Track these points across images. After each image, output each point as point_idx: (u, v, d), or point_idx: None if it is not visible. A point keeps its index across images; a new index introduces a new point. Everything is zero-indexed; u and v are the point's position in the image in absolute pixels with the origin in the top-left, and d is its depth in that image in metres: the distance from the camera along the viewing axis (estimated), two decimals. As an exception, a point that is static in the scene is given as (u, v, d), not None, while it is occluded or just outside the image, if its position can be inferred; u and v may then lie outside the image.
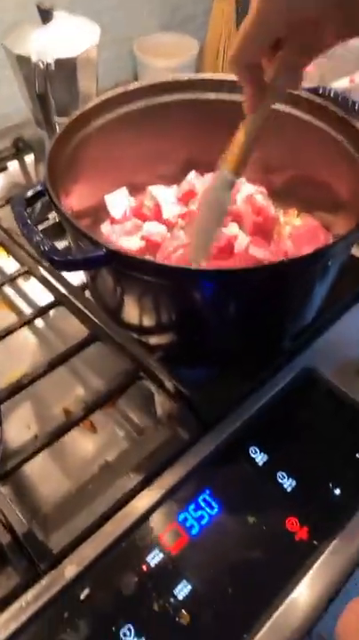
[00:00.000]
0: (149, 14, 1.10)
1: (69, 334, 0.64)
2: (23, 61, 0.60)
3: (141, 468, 0.48)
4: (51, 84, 0.63)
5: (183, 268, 0.44)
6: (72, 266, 0.42)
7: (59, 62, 0.60)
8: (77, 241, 0.47)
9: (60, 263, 0.41)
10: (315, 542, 0.45)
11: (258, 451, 0.50)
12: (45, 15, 0.61)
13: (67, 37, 0.62)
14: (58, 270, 0.60)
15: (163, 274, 0.42)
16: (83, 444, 0.55)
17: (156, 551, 0.44)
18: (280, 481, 0.48)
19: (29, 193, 0.47)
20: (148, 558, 0.43)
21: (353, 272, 0.66)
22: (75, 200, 0.56)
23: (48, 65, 0.58)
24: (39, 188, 0.48)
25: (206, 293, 0.45)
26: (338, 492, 0.48)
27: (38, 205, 0.67)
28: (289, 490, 0.48)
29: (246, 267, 0.49)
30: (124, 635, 0.40)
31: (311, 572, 0.43)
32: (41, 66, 0.57)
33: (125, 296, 0.50)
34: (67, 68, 0.62)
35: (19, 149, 0.85)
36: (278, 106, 0.62)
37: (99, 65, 1.06)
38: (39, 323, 0.65)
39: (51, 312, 0.63)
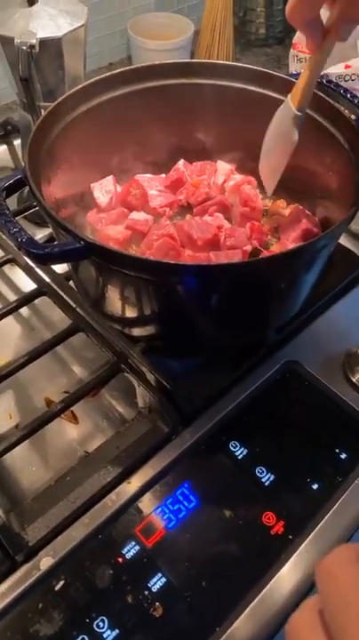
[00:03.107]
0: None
1: (56, 322, 0.64)
2: (7, 43, 0.59)
3: (120, 461, 0.48)
4: (36, 67, 0.61)
5: (161, 262, 0.43)
6: (49, 259, 0.41)
7: (43, 43, 0.58)
8: (57, 232, 0.46)
9: (37, 256, 0.41)
10: (290, 537, 0.45)
11: (238, 445, 0.50)
12: (32, -5, 0.59)
13: (53, 18, 0.60)
14: (36, 263, 0.60)
15: (140, 268, 0.41)
16: (64, 434, 0.55)
17: (132, 544, 0.44)
18: (259, 475, 0.48)
19: (8, 182, 0.46)
20: (124, 551, 0.44)
21: (341, 264, 0.65)
22: (60, 188, 0.55)
23: (32, 47, 0.56)
24: (18, 175, 0.47)
25: (186, 287, 0.44)
26: (315, 486, 0.48)
27: (26, 190, 0.67)
28: (267, 484, 0.48)
29: (225, 262, 0.49)
30: (98, 626, 0.40)
31: (286, 567, 0.44)
32: (24, 48, 0.56)
33: (107, 287, 0.49)
34: (52, 50, 0.60)
35: (7, 132, 0.84)
36: (269, 93, 0.61)
37: (93, 45, 1.04)
38: (25, 310, 0.65)
39: (37, 300, 0.63)
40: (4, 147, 0.84)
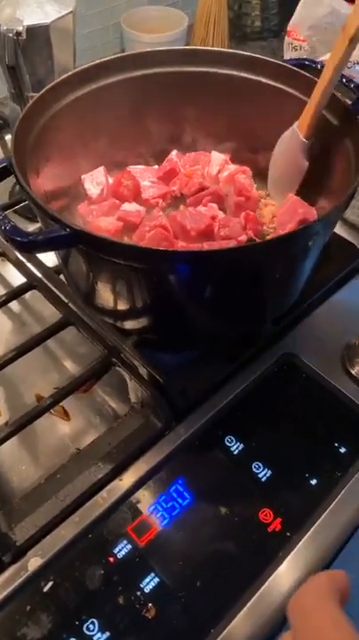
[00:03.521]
0: (137, -14, 1.06)
1: (47, 317, 0.62)
2: (-6, 31, 0.57)
3: (112, 458, 0.46)
4: (24, 56, 0.60)
5: (151, 249, 0.42)
6: (33, 247, 0.40)
7: (31, 31, 0.57)
8: (44, 220, 0.45)
9: (21, 244, 0.39)
10: (288, 534, 0.43)
11: (233, 440, 0.49)
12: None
13: (41, 5, 0.58)
14: (20, 252, 0.58)
15: (129, 255, 0.40)
16: (55, 431, 0.53)
17: (124, 543, 0.42)
18: (255, 471, 0.47)
19: (-7, 170, 0.45)
20: (116, 550, 0.42)
21: (339, 255, 0.64)
22: (49, 180, 0.54)
23: (19, 33, 0.55)
24: (4, 163, 0.45)
25: (178, 275, 0.42)
26: (314, 482, 0.46)
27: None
28: (264, 480, 0.46)
29: (218, 248, 0.47)
30: (88, 629, 0.38)
31: (283, 565, 0.42)
32: (10, 35, 0.54)
33: (97, 279, 0.48)
34: (40, 38, 0.59)
35: (-2, 126, 0.82)
36: (262, 80, 0.60)
37: (86, 40, 1.02)
38: (15, 306, 0.63)
39: (28, 295, 0.61)
40: (-5, 141, 0.83)
